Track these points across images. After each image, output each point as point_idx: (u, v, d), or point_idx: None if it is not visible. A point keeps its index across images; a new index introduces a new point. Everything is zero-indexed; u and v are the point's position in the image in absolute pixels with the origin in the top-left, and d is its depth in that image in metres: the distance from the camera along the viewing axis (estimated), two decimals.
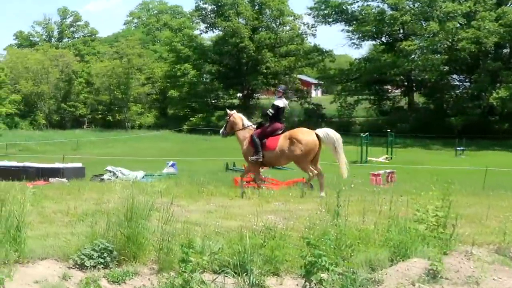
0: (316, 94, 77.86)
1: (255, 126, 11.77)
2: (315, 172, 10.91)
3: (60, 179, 16.67)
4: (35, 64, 70.84)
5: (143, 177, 17.53)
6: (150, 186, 6.84)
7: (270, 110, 11.42)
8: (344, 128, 47.94)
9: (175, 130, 62.96)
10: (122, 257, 6.03)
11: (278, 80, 67.02)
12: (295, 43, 64.93)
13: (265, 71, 64.61)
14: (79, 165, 19.60)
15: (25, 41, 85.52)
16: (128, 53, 70.89)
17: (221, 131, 12.38)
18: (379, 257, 5.79)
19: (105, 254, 5.95)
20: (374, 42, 63.06)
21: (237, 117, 12.01)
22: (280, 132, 11.38)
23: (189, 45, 68.72)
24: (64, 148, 44.89)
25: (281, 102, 11.49)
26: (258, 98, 70.62)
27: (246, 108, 64.58)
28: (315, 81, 71.73)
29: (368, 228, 6.59)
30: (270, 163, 11.70)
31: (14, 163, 20.13)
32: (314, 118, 59.67)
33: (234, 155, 22.87)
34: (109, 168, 18.17)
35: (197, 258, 5.28)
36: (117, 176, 17.31)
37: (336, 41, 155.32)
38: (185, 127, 63.74)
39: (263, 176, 15.96)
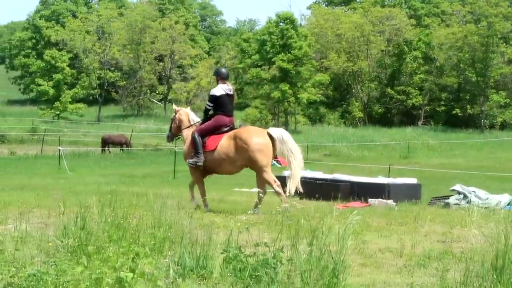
0: None
1: (200, 121, 13.82)
2: (277, 184, 12.89)
3: (385, 200, 17.27)
4: (350, 30, 75.41)
5: (508, 204, 17.04)
6: None
7: (207, 103, 13.58)
8: None
9: None
10: None
11: None
12: None
13: None
14: (413, 180, 20.02)
15: None
16: (488, 13, 69.82)
17: (166, 134, 14.96)
18: None
19: None
20: None
21: (184, 113, 14.19)
22: (227, 129, 13.32)
23: None
24: (390, 155, 46.95)
25: (219, 90, 13.33)
26: None
27: None
28: None
29: None
30: (211, 168, 13.45)
31: (319, 174, 21.66)
32: None
33: None
34: (457, 187, 18.15)
35: None
36: (469, 200, 17.17)
37: None
38: None
39: None
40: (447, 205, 17.31)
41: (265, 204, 13.08)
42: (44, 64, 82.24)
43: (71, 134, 60.13)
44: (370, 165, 34.57)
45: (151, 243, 7.42)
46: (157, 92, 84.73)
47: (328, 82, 73.15)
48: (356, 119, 73.78)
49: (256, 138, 12.86)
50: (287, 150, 12.90)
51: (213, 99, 13.34)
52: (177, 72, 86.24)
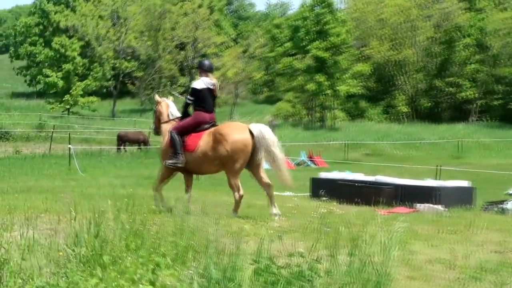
0: None
1: (179, 116, 14.23)
2: (240, 194, 13.08)
3: (434, 205, 17.24)
4: (394, 15, 75.12)
5: None
6: None
7: (188, 96, 13.84)
8: None
9: None
10: None
11: None
12: None
13: None
14: (465, 183, 19.99)
15: None
16: None
17: (151, 126, 15.32)
18: None
19: None
20: None
21: (164, 105, 14.61)
22: (208, 126, 13.60)
23: None
24: (439, 154, 46.79)
25: (200, 83, 13.69)
26: None
27: None
28: None
29: None
30: (191, 169, 13.76)
31: (359, 176, 21.73)
32: None
33: None
34: None
35: None
36: None
37: None
38: None
39: None
40: (503, 210, 17.21)
41: (300, 209, 13.06)
42: (52, 53, 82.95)
43: (83, 130, 60.60)
44: (417, 166, 34.44)
45: (172, 252, 7.43)
46: (178, 84, 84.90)
47: (369, 73, 72.90)
48: (401, 114, 73.49)
49: (237, 135, 13.02)
50: (267, 146, 12.99)
51: (193, 92, 13.66)
52: None
